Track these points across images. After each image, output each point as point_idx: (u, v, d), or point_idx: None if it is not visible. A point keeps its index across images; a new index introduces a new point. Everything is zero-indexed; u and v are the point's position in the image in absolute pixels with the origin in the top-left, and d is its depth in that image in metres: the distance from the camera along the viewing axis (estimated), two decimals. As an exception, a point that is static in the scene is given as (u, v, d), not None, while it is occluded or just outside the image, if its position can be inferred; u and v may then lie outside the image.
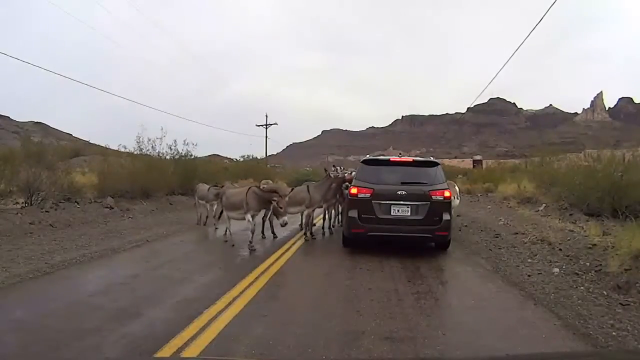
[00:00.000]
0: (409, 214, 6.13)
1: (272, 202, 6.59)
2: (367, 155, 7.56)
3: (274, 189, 6.84)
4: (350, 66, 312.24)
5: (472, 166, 46.36)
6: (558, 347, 3.12)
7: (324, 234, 8.27)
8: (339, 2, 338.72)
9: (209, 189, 9.23)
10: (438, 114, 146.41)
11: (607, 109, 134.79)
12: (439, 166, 6.82)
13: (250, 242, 6.65)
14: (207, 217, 9.35)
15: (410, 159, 7.20)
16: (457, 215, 10.16)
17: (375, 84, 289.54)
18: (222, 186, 8.69)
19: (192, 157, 15.76)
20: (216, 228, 8.20)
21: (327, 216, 8.67)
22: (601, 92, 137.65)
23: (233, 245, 6.94)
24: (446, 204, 6.24)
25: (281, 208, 6.53)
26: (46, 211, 8.77)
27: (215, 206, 8.70)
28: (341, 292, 4.49)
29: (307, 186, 8.04)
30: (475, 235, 8.36)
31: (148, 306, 3.87)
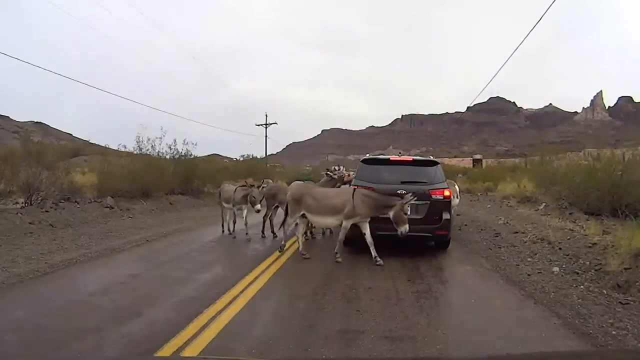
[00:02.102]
0: (408, 213, 6.12)
1: (393, 206, 5.54)
2: (367, 155, 7.54)
3: (398, 193, 5.68)
4: (350, 65, 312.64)
5: (472, 165, 46.38)
6: (558, 346, 3.12)
7: (323, 233, 8.27)
8: (339, 2, 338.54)
9: (235, 189, 7.78)
10: (438, 113, 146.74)
11: (607, 108, 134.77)
12: (439, 165, 6.81)
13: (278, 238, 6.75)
14: (234, 222, 7.96)
15: (410, 158, 7.19)
16: (457, 215, 10.16)
17: (375, 83, 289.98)
18: (258, 185, 7.81)
19: (192, 156, 15.78)
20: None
21: None
22: (601, 91, 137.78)
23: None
24: (446, 203, 6.23)
25: (405, 214, 5.53)
26: (46, 211, 8.77)
27: (242, 210, 7.61)
28: (341, 291, 4.49)
29: None
30: (475, 234, 8.36)
31: (148, 306, 3.87)
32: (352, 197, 5.66)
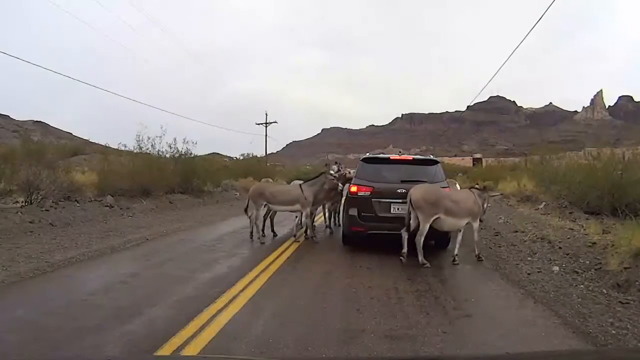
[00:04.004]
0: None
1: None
2: (367, 154, 7.52)
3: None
4: (350, 64, 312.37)
5: (472, 164, 46.41)
6: (558, 345, 3.12)
7: (332, 232, 8.26)
8: (340, 1, 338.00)
9: (301, 187, 7.01)
10: (438, 112, 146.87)
11: (607, 107, 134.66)
12: (439, 164, 6.82)
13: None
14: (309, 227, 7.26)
15: (410, 157, 7.17)
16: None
17: (375, 82, 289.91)
18: (328, 173, 7.19)
19: (192, 155, 15.77)
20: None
21: (327, 214, 8.67)
22: (601, 90, 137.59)
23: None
24: None
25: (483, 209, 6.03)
26: (46, 210, 8.77)
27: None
28: (341, 290, 4.50)
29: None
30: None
31: (148, 305, 3.87)
32: (476, 199, 5.88)
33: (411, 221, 5.68)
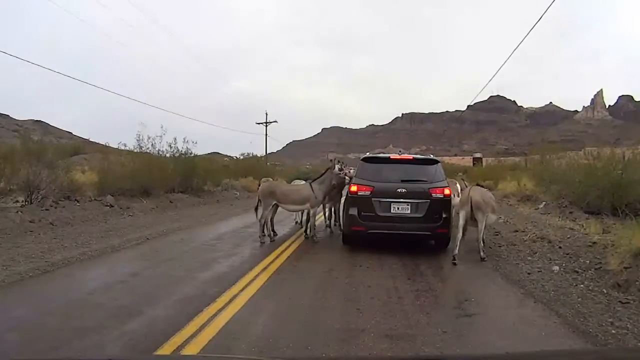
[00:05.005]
0: (408, 211, 6.13)
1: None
2: (367, 153, 7.52)
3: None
4: (350, 64, 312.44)
5: (472, 164, 46.45)
6: (557, 345, 3.13)
7: (332, 232, 8.25)
8: (340, 0, 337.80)
9: (311, 186, 7.11)
10: (438, 111, 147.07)
11: (607, 107, 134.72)
12: (439, 164, 6.81)
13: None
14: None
15: (410, 156, 7.16)
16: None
17: (376, 82, 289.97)
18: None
19: (192, 155, 15.76)
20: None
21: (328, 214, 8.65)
22: (601, 90, 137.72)
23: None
24: (446, 202, 6.24)
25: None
26: (46, 209, 8.77)
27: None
28: (341, 290, 4.49)
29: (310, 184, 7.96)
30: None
31: (148, 304, 3.87)
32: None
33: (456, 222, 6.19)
